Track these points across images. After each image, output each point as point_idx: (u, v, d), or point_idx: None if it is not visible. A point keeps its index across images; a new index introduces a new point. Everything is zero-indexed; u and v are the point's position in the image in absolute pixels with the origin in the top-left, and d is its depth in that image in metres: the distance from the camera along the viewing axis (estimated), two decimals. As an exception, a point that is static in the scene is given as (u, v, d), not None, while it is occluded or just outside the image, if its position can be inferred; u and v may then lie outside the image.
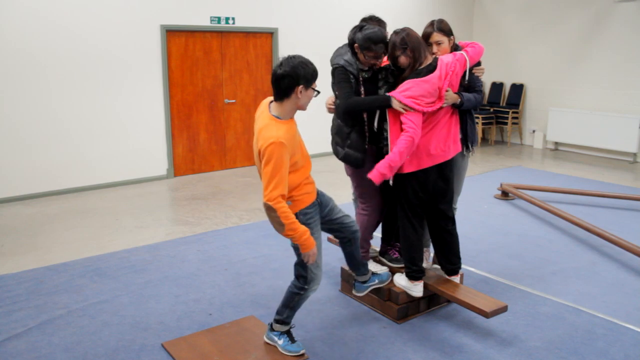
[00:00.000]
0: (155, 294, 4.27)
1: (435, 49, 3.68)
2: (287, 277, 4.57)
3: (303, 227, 3.00)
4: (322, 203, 3.36)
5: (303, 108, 3.10)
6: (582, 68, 10.25)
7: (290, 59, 2.98)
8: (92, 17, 7.01)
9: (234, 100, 8.55)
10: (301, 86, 2.95)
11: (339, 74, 3.68)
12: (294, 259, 4.90)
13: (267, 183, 2.88)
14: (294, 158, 3.03)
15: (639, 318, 3.94)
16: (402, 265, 3.97)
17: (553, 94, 10.76)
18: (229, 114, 8.56)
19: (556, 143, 10.86)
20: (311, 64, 3.02)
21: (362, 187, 3.92)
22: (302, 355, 3.40)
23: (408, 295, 3.80)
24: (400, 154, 3.44)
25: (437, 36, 3.68)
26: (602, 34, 9.91)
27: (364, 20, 3.93)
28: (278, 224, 2.94)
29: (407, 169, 3.59)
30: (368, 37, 3.55)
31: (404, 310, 3.86)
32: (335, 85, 3.73)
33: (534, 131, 11.18)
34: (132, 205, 6.65)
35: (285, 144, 2.88)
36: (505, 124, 11.20)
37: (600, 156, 10.12)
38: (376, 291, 3.93)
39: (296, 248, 3.19)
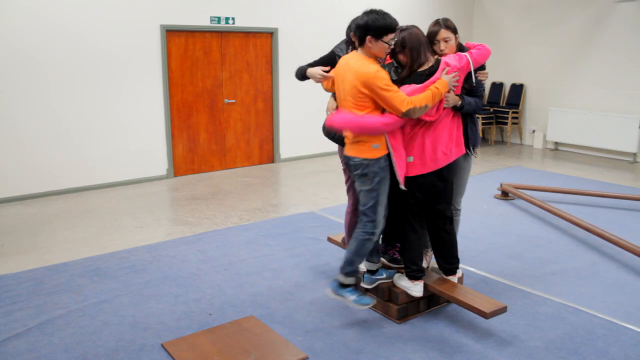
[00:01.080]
0: (155, 294, 4.27)
1: (442, 46, 3.65)
2: (287, 277, 4.58)
3: (432, 90, 3.36)
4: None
5: (378, 55, 3.45)
6: (582, 68, 10.25)
7: (368, 12, 3.40)
8: (92, 17, 7.01)
9: (234, 100, 8.55)
10: (369, 36, 3.35)
11: (326, 54, 4.05)
12: (294, 259, 4.95)
13: (395, 103, 3.30)
14: None
15: (638, 318, 3.94)
16: (402, 266, 3.97)
17: (553, 94, 10.76)
18: (229, 114, 8.56)
19: (556, 143, 10.86)
20: (384, 18, 3.35)
21: None
22: (375, 304, 3.76)
23: (408, 295, 3.80)
24: (376, 125, 3.41)
25: (444, 33, 3.66)
26: (602, 34, 9.90)
27: None
28: (425, 108, 3.36)
29: (412, 173, 3.59)
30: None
31: (403, 310, 3.86)
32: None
33: (533, 131, 11.18)
34: (132, 205, 6.65)
35: (382, 69, 3.37)
36: (505, 124, 11.20)
37: (600, 156, 10.12)
38: (376, 291, 3.94)
39: (370, 191, 3.49)
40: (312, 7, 9.08)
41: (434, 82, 3.42)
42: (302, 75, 3.98)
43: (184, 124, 8.11)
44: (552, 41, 10.64)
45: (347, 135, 3.58)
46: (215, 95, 8.36)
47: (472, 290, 3.81)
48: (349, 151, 3.58)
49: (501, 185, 7.17)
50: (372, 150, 3.46)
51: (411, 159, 3.59)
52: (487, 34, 11.56)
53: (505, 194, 7.13)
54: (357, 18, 3.42)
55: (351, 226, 4.12)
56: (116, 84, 7.33)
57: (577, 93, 10.36)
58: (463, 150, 3.77)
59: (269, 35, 8.75)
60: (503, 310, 3.58)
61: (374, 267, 3.90)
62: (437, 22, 3.72)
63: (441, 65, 3.51)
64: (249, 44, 8.58)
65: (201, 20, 7.93)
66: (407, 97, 3.31)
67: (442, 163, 3.62)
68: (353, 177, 3.67)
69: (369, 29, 3.34)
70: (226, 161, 8.66)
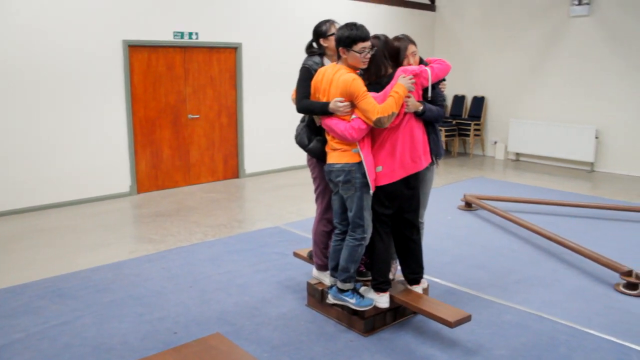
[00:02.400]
0: (118, 314, 4.18)
1: (412, 60, 3.77)
2: (253, 293, 4.55)
3: (393, 96, 3.48)
4: None
5: (356, 65, 3.58)
6: (541, 80, 10.53)
7: (343, 26, 3.59)
8: (53, 32, 6.89)
9: (197, 116, 8.50)
10: (341, 48, 3.54)
11: (302, 73, 3.87)
12: (260, 275, 4.92)
13: (368, 110, 3.44)
14: None
15: (599, 323, 4.03)
16: (369, 279, 3.98)
17: (513, 105, 11.01)
18: (193, 130, 8.49)
19: (517, 154, 11.10)
20: (350, 29, 3.50)
21: (324, 184, 4.00)
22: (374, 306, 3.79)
23: (374, 308, 3.80)
24: (342, 131, 3.52)
25: (412, 47, 3.79)
26: (558, 47, 10.20)
27: None
28: (393, 115, 3.48)
29: (381, 182, 3.64)
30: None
31: (370, 323, 3.86)
32: (297, 83, 3.89)
33: (495, 142, 11.40)
34: (95, 223, 6.52)
35: (360, 78, 3.54)
36: (468, 135, 11.39)
37: (560, 166, 10.38)
38: (342, 305, 3.93)
39: (358, 199, 3.59)
40: (275, 22, 9.12)
41: (391, 87, 3.53)
42: (322, 110, 3.65)
43: (147, 140, 8.02)
44: (511, 54, 10.91)
45: (328, 142, 3.71)
46: (178, 110, 8.29)
47: (437, 300, 3.84)
48: (330, 159, 3.67)
49: (464, 196, 7.27)
50: (353, 155, 3.57)
51: (380, 168, 3.64)
52: (448, 47, 11.78)
53: (468, 205, 7.23)
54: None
55: (317, 233, 4.12)
56: (78, 99, 7.20)
57: (536, 105, 10.62)
58: (430, 159, 3.82)
59: (233, 50, 8.74)
60: (467, 319, 3.61)
61: (346, 286, 3.85)
62: (403, 38, 3.80)
63: (397, 72, 3.61)
64: (213, 59, 8.56)
65: (164, 35, 7.87)
66: (378, 106, 3.43)
67: (411, 170, 3.67)
68: (334, 187, 3.72)
69: (339, 40, 3.53)
70: (190, 177, 8.58)
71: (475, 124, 11.31)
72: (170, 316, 4.15)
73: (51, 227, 6.36)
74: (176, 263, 5.24)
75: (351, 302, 3.77)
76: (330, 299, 3.91)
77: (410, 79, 3.56)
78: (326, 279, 4.10)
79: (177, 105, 8.26)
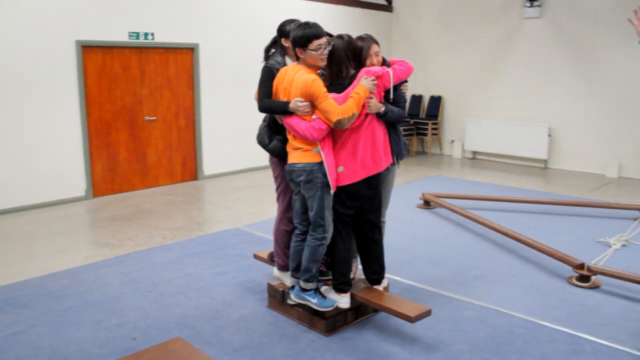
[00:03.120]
0: (75, 321, 4.08)
1: (375, 60, 3.79)
2: (214, 296, 4.50)
3: (354, 97, 3.47)
4: None
5: (315, 64, 3.58)
6: (495, 80, 10.76)
7: (296, 26, 3.59)
8: (3, 32, 6.67)
9: (154, 118, 8.37)
10: (297, 49, 3.55)
11: (264, 73, 3.85)
12: (220, 277, 4.89)
13: (329, 111, 3.44)
14: None
15: (554, 316, 4.14)
16: (329, 278, 3.99)
17: (469, 105, 11.21)
18: (150, 132, 8.36)
19: (474, 152, 11.31)
20: (303, 28, 3.50)
21: (285, 183, 4.00)
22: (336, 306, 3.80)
23: (335, 307, 3.81)
24: (303, 131, 3.53)
25: (376, 47, 3.82)
26: (512, 48, 10.45)
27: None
28: (353, 117, 3.48)
29: (342, 182, 3.64)
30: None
31: (332, 322, 3.87)
32: (259, 82, 3.87)
33: (452, 141, 11.59)
34: (49, 229, 6.35)
35: (319, 78, 3.54)
36: (425, 134, 11.55)
37: (515, 163, 10.62)
38: (303, 305, 3.93)
39: (319, 199, 3.59)
40: (232, 22, 9.06)
41: (353, 88, 3.53)
42: (282, 110, 3.63)
43: (103, 143, 7.85)
44: (467, 55, 11.12)
45: (289, 142, 3.70)
46: (135, 112, 8.15)
47: (397, 297, 3.89)
48: (292, 159, 3.66)
49: (423, 194, 7.37)
50: (314, 155, 3.57)
51: (341, 168, 3.64)
52: (406, 48, 11.92)
53: (427, 203, 7.33)
54: None
55: (278, 232, 4.11)
56: (30, 101, 6.99)
57: (492, 104, 10.85)
58: (391, 159, 3.85)
59: (190, 51, 8.65)
60: (427, 313, 3.67)
61: (308, 285, 3.85)
62: (367, 38, 3.82)
63: (360, 74, 3.60)
64: (170, 59, 8.44)
65: (119, 35, 7.72)
66: (338, 108, 3.44)
67: (372, 171, 3.68)
68: (295, 186, 3.72)
69: (294, 42, 3.54)
70: (148, 180, 8.44)
71: (433, 124, 11.47)
72: (129, 322, 4.07)
73: (2, 234, 6.16)
74: (134, 267, 5.15)
75: (313, 302, 3.77)
76: (293, 299, 3.91)
77: (372, 80, 3.56)
78: (287, 279, 4.10)
79: (134, 107, 8.12)
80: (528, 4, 9.98)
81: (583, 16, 9.51)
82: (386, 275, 4.14)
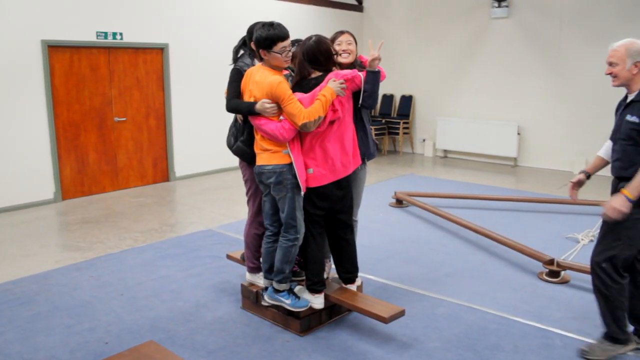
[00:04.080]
0: (44, 327, 4.00)
1: (345, 47, 3.80)
2: (187, 298, 4.46)
3: (320, 100, 3.44)
4: None
5: (279, 66, 3.57)
6: (465, 79, 10.89)
7: (258, 26, 3.52)
8: (-37, 33, 6.52)
9: (124, 119, 8.25)
10: (261, 50, 3.49)
11: (232, 74, 3.83)
12: (193, 279, 4.86)
13: (294, 114, 3.42)
14: None
15: (525, 311, 4.21)
16: (302, 278, 3.99)
17: (440, 104, 11.33)
18: (120, 133, 8.25)
19: (445, 151, 11.42)
20: (267, 30, 3.46)
21: (255, 187, 4.00)
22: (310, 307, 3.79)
23: (310, 308, 3.81)
24: (273, 131, 3.50)
25: (347, 37, 3.83)
26: (481, 47, 10.59)
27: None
28: (319, 119, 3.45)
29: (312, 184, 3.63)
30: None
31: (306, 322, 3.87)
32: (228, 83, 3.85)
33: (424, 140, 11.69)
34: (16, 233, 6.21)
35: (285, 80, 3.51)
36: (397, 134, 11.62)
37: (485, 161, 10.77)
38: (277, 305, 3.92)
39: (290, 200, 3.57)
40: (202, 22, 8.99)
41: (320, 89, 3.51)
42: (249, 111, 3.60)
43: (72, 144, 7.71)
44: (436, 54, 11.23)
45: (257, 143, 3.67)
46: (104, 113, 8.02)
47: (371, 297, 3.90)
48: (260, 161, 3.64)
49: (395, 193, 7.41)
50: (284, 156, 3.55)
51: (311, 170, 3.62)
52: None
53: (399, 202, 7.38)
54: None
55: (249, 235, 4.10)
56: (-7, 104, 6.84)
57: (462, 103, 10.98)
58: (359, 161, 3.84)
59: (160, 51, 8.55)
60: (401, 314, 3.69)
61: (282, 287, 3.85)
62: (340, 30, 3.90)
63: (328, 76, 3.58)
64: (139, 59, 8.34)
65: (87, 35, 7.60)
66: (304, 111, 3.40)
67: (341, 175, 3.68)
68: (265, 188, 3.70)
69: (258, 43, 3.48)
70: (118, 181, 8.33)
71: (404, 123, 11.56)
72: (101, 326, 4.01)
73: (-32, 239, 6.02)
74: (106, 271, 5.07)
75: (287, 302, 3.76)
76: (266, 300, 3.90)
77: (341, 83, 3.51)
78: (260, 280, 4.09)
79: (103, 107, 8.00)
80: (496, 5, 10.13)
81: (550, 16, 9.69)
82: (359, 274, 4.15)
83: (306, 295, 3.80)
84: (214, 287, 4.70)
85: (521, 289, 4.68)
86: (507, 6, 10.02)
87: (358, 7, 12.10)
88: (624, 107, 3.37)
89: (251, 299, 4.14)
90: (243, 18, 9.34)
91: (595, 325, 3.98)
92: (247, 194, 4.10)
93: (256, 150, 3.72)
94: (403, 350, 3.66)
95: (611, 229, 3.39)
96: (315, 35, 3.65)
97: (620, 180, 3.37)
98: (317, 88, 3.54)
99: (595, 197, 7.26)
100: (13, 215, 6.94)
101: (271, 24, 3.48)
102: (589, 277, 4.72)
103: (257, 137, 3.68)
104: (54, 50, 7.36)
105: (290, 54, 3.55)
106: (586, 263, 4.86)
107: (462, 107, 11.01)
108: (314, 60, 3.59)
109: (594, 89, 9.32)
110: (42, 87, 7.26)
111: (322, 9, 11.12)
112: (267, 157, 3.61)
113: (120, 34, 7.95)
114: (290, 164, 3.56)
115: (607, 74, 3.38)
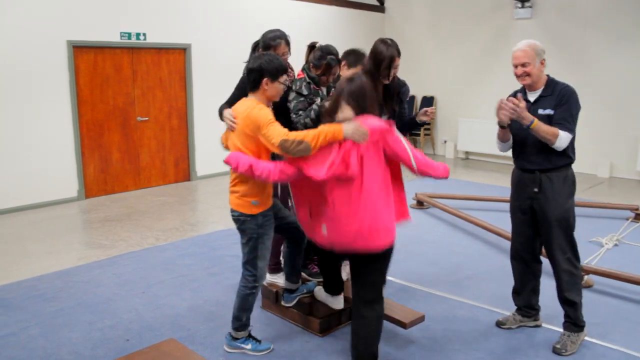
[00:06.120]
0: (67, 323, 4.06)
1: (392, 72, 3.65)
2: (207, 297, 4.49)
3: (319, 131, 2.90)
4: (274, 205, 3.54)
5: (273, 98, 3.33)
6: (487, 80, 10.79)
7: (259, 56, 3.27)
8: (-9, 33, 6.64)
9: (147, 118, 8.34)
10: (266, 79, 3.21)
11: (240, 81, 3.87)
12: (214, 278, 4.87)
13: (271, 134, 3.03)
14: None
15: (546, 315, 4.15)
16: (321, 279, 3.98)
17: (462, 105, 11.24)
18: (142, 132, 8.33)
19: (466, 152, 11.34)
20: (277, 59, 3.26)
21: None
22: (272, 349, 3.64)
23: (329, 308, 3.81)
24: (264, 171, 3.08)
25: (398, 60, 3.71)
26: (504, 48, 10.47)
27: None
28: (305, 150, 2.91)
29: (322, 242, 3.21)
30: (265, 36, 3.85)
31: (325, 322, 3.87)
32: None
33: (445, 141, 11.62)
34: (41, 230, 6.31)
35: (269, 108, 3.22)
36: (418, 135, 11.57)
37: (507, 163, 10.64)
38: (298, 306, 3.93)
39: (251, 249, 3.38)
40: (225, 22, 9.04)
41: (252, 163, 3.11)
42: (220, 113, 3.67)
43: (95, 144, 7.81)
44: (458, 55, 11.15)
45: (232, 181, 3.43)
46: (127, 113, 8.12)
47: (391, 300, 3.89)
48: (231, 202, 3.43)
49: (416, 195, 7.38)
50: (251, 207, 3.32)
51: (324, 228, 3.06)
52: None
53: (420, 203, 7.34)
54: (249, 62, 3.31)
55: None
56: (20, 102, 6.95)
57: (484, 104, 10.88)
58: (380, 241, 2.99)
59: (182, 51, 8.62)
60: (421, 319, 3.69)
61: (293, 286, 3.90)
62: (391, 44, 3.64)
63: (355, 118, 2.93)
64: (162, 60, 8.41)
65: (111, 36, 7.69)
66: (284, 130, 3.02)
67: (340, 247, 2.99)
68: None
69: (264, 71, 3.20)
70: (140, 180, 8.41)
71: (426, 124, 11.48)
72: (122, 323, 4.06)
73: (-6, 235, 6.13)
74: (128, 269, 5.13)
75: (247, 348, 3.61)
76: (226, 349, 3.68)
77: (363, 133, 2.83)
78: (280, 280, 4.10)
79: (126, 107, 8.09)
80: (519, 5, 10.03)
81: (574, 17, 9.56)
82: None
83: (324, 296, 3.80)
84: (234, 286, 4.70)
85: (542, 292, 4.59)
86: (530, 7, 9.92)
87: (379, 8, 12.07)
88: (531, 104, 3.66)
89: (271, 299, 4.15)
90: (264, 19, 9.40)
91: (619, 330, 3.93)
92: None
93: (230, 189, 3.43)
94: (423, 352, 3.64)
95: None
96: (358, 76, 3.09)
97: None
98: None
99: (620, 200, 7.15)
100: (38, 212, 7.05)
101: (274, 55, 3.30)
102: (613, 282, 4.68)
103: (231, 170, 3.35)
104: (78, 50, 7.46)
105: (285, 87, 3.36)
106: (610, 267, 4.80)
107: (483, 108, 10.90)
108: (358, 103, 2.96)
109: (617, 90, 9.18)
110: (67, 87, 7.37)
111: (343, 9, 11.11)
112: (233, 200, 3.38)
113: (144, 34, 8.03)
114: (255, 216, 3.33)
115: (519, 75, 3.71)
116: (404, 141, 3.00)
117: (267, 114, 3.14)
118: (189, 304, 4.37)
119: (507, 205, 7.20)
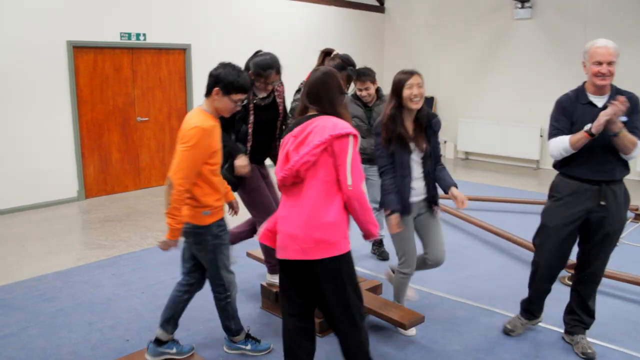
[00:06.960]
0: (67, 323, 4.06)
1: (416, 91, 3.53)
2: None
3: (181, 219, 3.03)
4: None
5: (221, 112, 3.17)
6: (487, 81, 10.80)
7: (227, 65, 3.12)
8: (-9, 33, 6.64)
9: (146, 118, 8.34)
10: (217, 88, 3.06)
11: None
12: (214, 277, 4.84)
13: (178, 163, 2.95)
14: (214, 157, 3.12)
15: (547, 315, 4.14)
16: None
17: (462, 105, 11.24)
18: (142, 132, 8.33)
19: (466, 152, 11.34)
20: (240, 77, 3.08)
21: (252, 207, 4.13)
22: (272, 349, 3.64)
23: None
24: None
25: (418, 78, 3.55)
26: (503, 49, 10.49)
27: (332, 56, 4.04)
28: (169, 199, 3.00)
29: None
30: (257, 63, 3.74)
31: (326, 323, 3.86)
32: None
33: (445, 142, 11.61)
34: (40, 230, 6.31)
35: (207, 130, 2.99)
36: (418, 135, 11.54)
37: (507, 164, 10.66)
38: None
39: (211, 261, 3.27)
40: (225, 22, 9.04)
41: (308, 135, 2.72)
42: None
43: (95, 144, 7.81)
44: (458, 56, 11.15)
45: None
46: (127, 113, 8.12)
47: (390, 301, 3.89)
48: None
49: (416, 195, 7.36)
50: (202, 217, 3.16)
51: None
52: (398, 49, 11.93)
53: (420, 204, 7.32)
54: (215, 69, 3.18)
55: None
56: (20, 102, 6.95)
57: (484, 105, 10.89)
58: (335, 249, 2.70)
59: (182, 52, 8.62)
60: (421, 320, 3.69)
61: (164, 337, 3.49)
62: (410, 72, 3.54)
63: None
64: (162, 60, 8.41)
65: (110, 36, 7.69)
66: (179, 169, 2.96)
67: (283, 254, 2.78)
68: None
69: (219, 80, 3.06)
70: (140, 181, 8.41)
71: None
72: (122, 323, 4.06)
73: (-6, 236, 6.13)
74: (127, 269, 5.13)
75: (246, 348, 3.60)
76: (226, 349, 3.66)
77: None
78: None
79: (126, 107, 8.09)
80: (519, 5, 10.03)
81: (574, 17, 9.56)
82: (380, 276, 4.14)
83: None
84: (233, 286, 4.71)
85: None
86: (530, 7, 9.92)
87: (379, 8, 12.06)
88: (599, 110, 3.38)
89: (271, 299, 4.15)
90: (264, 19, 9.41)
91: (619, 331, 3.93)
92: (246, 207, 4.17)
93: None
94: (423, 353, 3.64)
95: None
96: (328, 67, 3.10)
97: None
98: (299, 129, 2.76)
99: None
100: (37, 213, 7.05)
101: (241, 71, 3.12)
102: (614, 283, 4.67)
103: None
104: (78, 50, 7.46)
105: (237, 108, 3.21)
106: (612, 268, 4.80)
107: (483, 108, 10.91)
108: (314, 95, 2.81)
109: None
110: (67, 87, 7.37)
111: (343, 9, 11.10)
112: (187, 213, 3.14)
113: (144, 34, 8.03)
114: (209, 226, 3.17)
115: (604, 74, 3.57)
116: (349, 156, 2.65)
117: (193, 134, 2.95)
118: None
119: (507, 206, 7.27)
